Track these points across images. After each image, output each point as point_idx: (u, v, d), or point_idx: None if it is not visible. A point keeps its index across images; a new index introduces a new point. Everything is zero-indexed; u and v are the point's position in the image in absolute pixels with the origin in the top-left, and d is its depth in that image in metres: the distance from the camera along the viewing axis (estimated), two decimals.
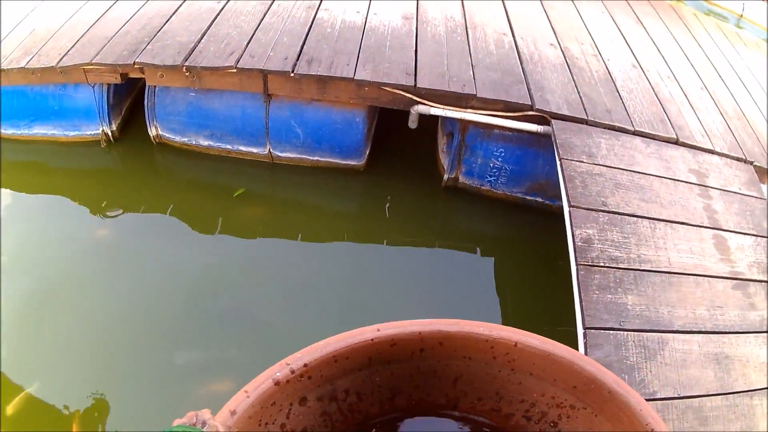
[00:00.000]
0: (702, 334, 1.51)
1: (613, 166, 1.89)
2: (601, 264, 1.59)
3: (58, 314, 1.70)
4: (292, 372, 0.69)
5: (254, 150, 2.10)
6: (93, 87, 2.26)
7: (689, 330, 1.50)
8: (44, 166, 2.38)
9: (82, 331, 1.64)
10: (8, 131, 2.54)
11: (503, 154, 1.89)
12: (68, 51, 2.31)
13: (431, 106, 1.91)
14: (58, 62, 2.28)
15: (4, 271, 1.80)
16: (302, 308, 1.72)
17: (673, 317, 1.46)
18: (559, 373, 0.75)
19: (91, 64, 2.20)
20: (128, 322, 1.66)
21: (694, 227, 1.83)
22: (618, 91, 2.07)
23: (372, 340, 0.73)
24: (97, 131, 2.33)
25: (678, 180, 1.93)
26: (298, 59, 1.99)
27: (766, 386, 1.45)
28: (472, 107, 1.91)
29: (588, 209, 1.73)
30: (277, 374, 0.68)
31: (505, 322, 1.70)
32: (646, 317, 1.44)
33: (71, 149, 2.39)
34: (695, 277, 1.70)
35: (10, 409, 1.47)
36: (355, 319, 1.57)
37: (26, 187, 2.33)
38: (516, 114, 1.92)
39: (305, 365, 0.70)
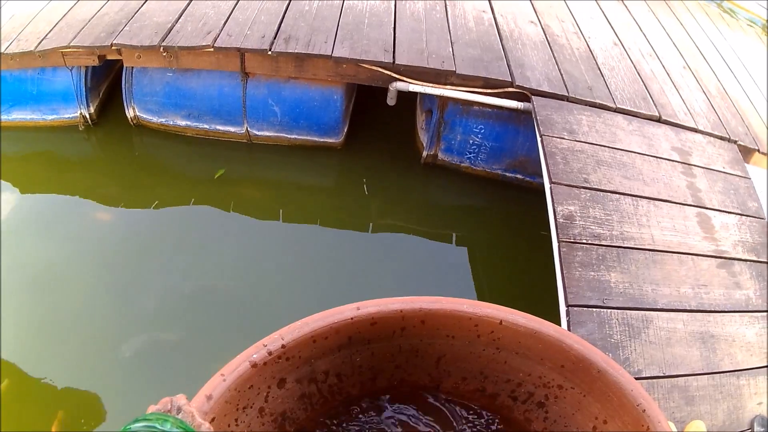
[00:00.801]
0: (687, 313, 1.43)
1: (594, 143, 1.80)
2: (584, 241, 1.50)
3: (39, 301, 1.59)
4: (270, 353, 0.61)
5: (232, 129, 2.01)
6: (71, 70, 2.16)
7: (674, 308, 1.42)
8: (23, 153, 2.28)
9: (66, 318, 1.54)
10: None
11: (483, 130, 1.81)
12: (47, 35, 2.22)
13: (410, 82, 1.82)
14: (36, 46, 2.19)
15: None
16: (280, 288, 1.62)
17: (657, 295, 1.38)
18: (545, 352, 0.67)
19: (69, 47, 2.10)
20: (103, 307, 1.56)
21: (678, 205, 1.75)
22: (599, 69, 1.98)
23: (352, 318, 0.65)
24: (75, 114, 2.23)
25: (660, 158, 1.84)
26: (275, 37, 1.90)
27: (753, 366, 1.36)
28: (451, 84, 1.83)
29: (569, 186, 1.64)
30: (254, 356, 0.60)
31: (482, 299, 1.61)
32: (629, 295, 1.36)
33: (50, 134, 2.30)
34: (679, 255, 1.61)
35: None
36: (333, 298, 1.48)
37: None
38: (496, 90, 1.83)
39: (283, 346, 0.62)
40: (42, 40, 2.22)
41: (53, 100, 2.24)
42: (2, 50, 2.21)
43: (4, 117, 2.42)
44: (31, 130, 2.37)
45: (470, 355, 0.73)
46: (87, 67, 2.16)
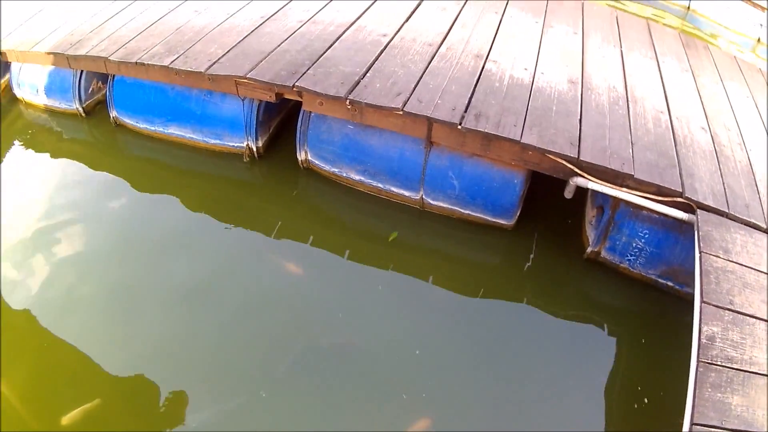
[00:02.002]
0: None
1: (744, 264, 2.02)
2: (719, 363, 1.73)
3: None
4: None
5: (406, 194, 2.16)
6: (243, 100, 2.22)
7: None
8: (181, 168, 2.37)
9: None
10: (141, 125, 2.51)
11: (647, 235, 2.03)
12: (219, 59, 2.28)
13: (590, 179, 1.97)
14: (207, 69, 2.26)
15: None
16: (428, 358, 1.92)
17: (765, 420, 1.57)
18: None
19: (245, 78, 2.19)
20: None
21: None
22: (757, 185, 2.18)
23: None
24: (242, 144, 2.34)
25: None
26: (466, 111, 2.03)
27: None
28: (627, 186, 2.00)
29: (717, 306, 1.87)
30: None
31: (609, 399, 1.83)
32: (743, 418, 1.63)
33: (209, 158, 2.39)
34: None
35: None
36: (470, 375, 1.68)
37: (153, 188, 2.33)
38: (665, 199, 1.99)
39: None
40: (213, 63, 2.29)
41: (218, 126, 2.35)
42: (168, 63, 2.35)
43: (160, 129, 2.51)
44: (188, 149, 2.45)
45: None
46: (261, 100, 2.21)
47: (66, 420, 1.68)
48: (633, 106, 2.37)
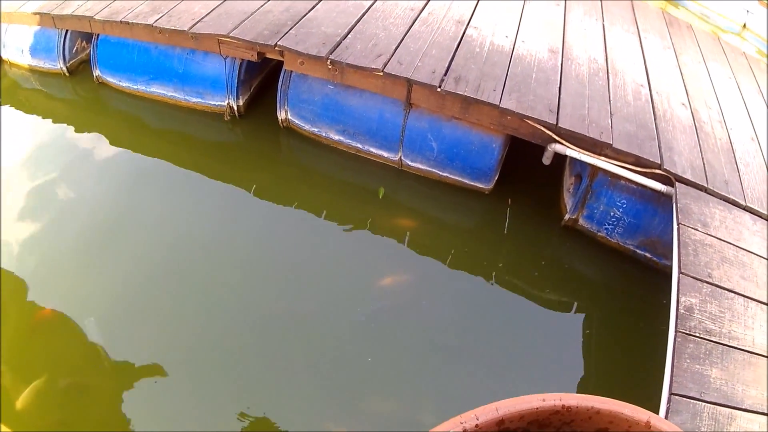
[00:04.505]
0: (764, 416, 1.65)
1: (722, 238, 2.05)
2: (697, 334, 1.75)
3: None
4: (465, 431, 0.82)
5: (385, 154, 2.20)
6: (225, 59, 2.27)
7: (755, 410, 1.66)
8: (160, 128, 2.41)
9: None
10: (123, 84, 2.56)
11: (625, 205, 2.05)
12: (203, 18, 2.34)
13: (568, 146, 2.02)
14: (190, 27, 2.31)
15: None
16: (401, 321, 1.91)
17: (744, 396, 1.65)
18: None
19: (228, 37, 2.23)
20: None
21: None
22: (736, 163, 2.21)
23: (537, 408, 0.89)
24: (222, 103, 2.38)
25: None
26: (445, 75, 2.07)
27: None
28: (605, 155, 2.03)
29: (695, 278, 1.89)
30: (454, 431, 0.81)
31: (588, 372, 1.85)
32: (723, 392, 1.63)
33: (190, 116, 2.42)
34: None
35: None
36: (438, 351, 1.69)
37: (135, 145, 2.37)
38: (644, 170, 2.03)
39: (477, 425, 0.83)
40: (197, 22, 2.34)
41: (200, 84, 2.39)
42: (152, 22, 2.37)
43: (142, 88, 2.55)
44: (170, 107, 2.50)
45: None
46: (242, 59, 2.26)
47: (20, 403, 1.60)
48: (613, 78, 2.39)
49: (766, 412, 1.69)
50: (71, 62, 2.90)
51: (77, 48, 2.93)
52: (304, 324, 1.86)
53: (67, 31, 2.81)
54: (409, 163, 2.31)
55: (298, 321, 1.87)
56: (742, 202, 2.25)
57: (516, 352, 1.94)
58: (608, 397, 1.07)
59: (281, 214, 2.21)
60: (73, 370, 1.71)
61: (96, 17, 2.63)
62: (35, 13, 2.90)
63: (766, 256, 2.17)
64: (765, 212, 2.24)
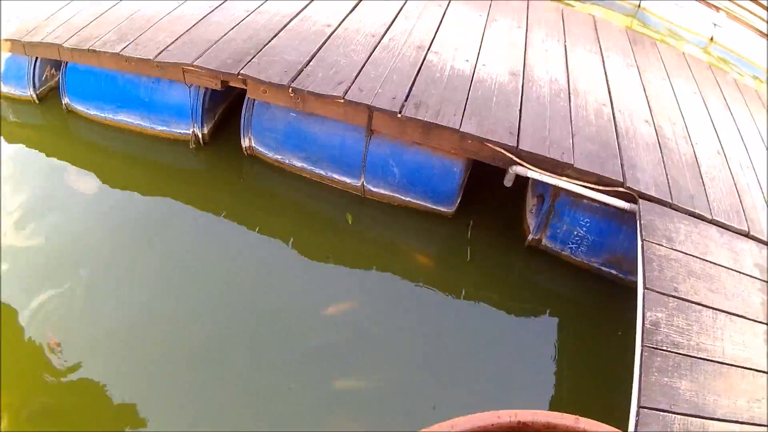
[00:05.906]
0: (738, 424, 1.67)
1: (688, 253, 2.08)
2: (664, 348, 1.77)
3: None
4: None
5: (348, 180, 2.24)
6: (189, 87, 2.32)
7: (728, 419, 1.69)
8: (127, 154, 2.46)
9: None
10: (91, 112, 2.61)
11: (588, 224, 2.09)
12: (167, 46, 2.38)
13: (529, 168, 2.05)
14: (156, 56, 2.35)
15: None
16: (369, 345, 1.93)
17: (716, 406, 1.67)
18: None
19: (192, 66, 2.28)
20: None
21: (750, 321, 2.02)
22: (702, 177, 2.25)
23: (492, 425, 0.99)
24: (188, 131, 2.43)
25: (743, 273, 2.14)
26: (406, 100, 2.11)
27: None
28: (567, 175, 2.07)
29: (660, 293, 1.91)
30: None
31: (559, 387, 1.87)
32: (694, 403, 1.65)
33: (156, 144, 2.48)
34: (743, 369, 1.88)
35: None
36: (413, 371, 1.72)
37: (103, 173, 2.40)
38: (607, 189, 2.06)
39: None
40: (162, 50, 2.38)
41: (165, 113, 2.44)
42: (119, 50, 2.40)
43: (110, 116, 2.60)
44: (137, 134, 2.55)
45: None
46: (207, 88, 2.30)
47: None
48: (575, 99, 2.41)
49: (739, 420, 1.72)
50: (41, 90, 2.94)
51: (47, 75, 2.97)
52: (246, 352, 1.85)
53: (36, 58, 2.87)
54: (372, 188, 2.32)
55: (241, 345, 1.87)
56: (709, 216, 2.28)
57: (484, 371, 1.93)
58: (579, 411, 1.10)
59: (241, 240, 2.21)
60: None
61: (65, 45, 2.65)
62: (7, 40, 2.95)
63: (733, 267, 2.21)
64: (732, 225, 2.28)
